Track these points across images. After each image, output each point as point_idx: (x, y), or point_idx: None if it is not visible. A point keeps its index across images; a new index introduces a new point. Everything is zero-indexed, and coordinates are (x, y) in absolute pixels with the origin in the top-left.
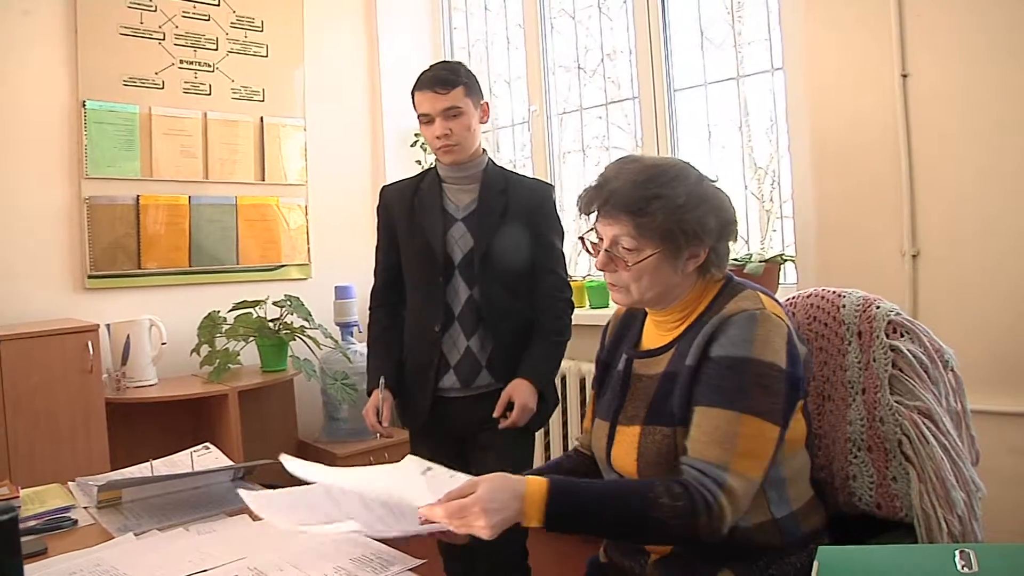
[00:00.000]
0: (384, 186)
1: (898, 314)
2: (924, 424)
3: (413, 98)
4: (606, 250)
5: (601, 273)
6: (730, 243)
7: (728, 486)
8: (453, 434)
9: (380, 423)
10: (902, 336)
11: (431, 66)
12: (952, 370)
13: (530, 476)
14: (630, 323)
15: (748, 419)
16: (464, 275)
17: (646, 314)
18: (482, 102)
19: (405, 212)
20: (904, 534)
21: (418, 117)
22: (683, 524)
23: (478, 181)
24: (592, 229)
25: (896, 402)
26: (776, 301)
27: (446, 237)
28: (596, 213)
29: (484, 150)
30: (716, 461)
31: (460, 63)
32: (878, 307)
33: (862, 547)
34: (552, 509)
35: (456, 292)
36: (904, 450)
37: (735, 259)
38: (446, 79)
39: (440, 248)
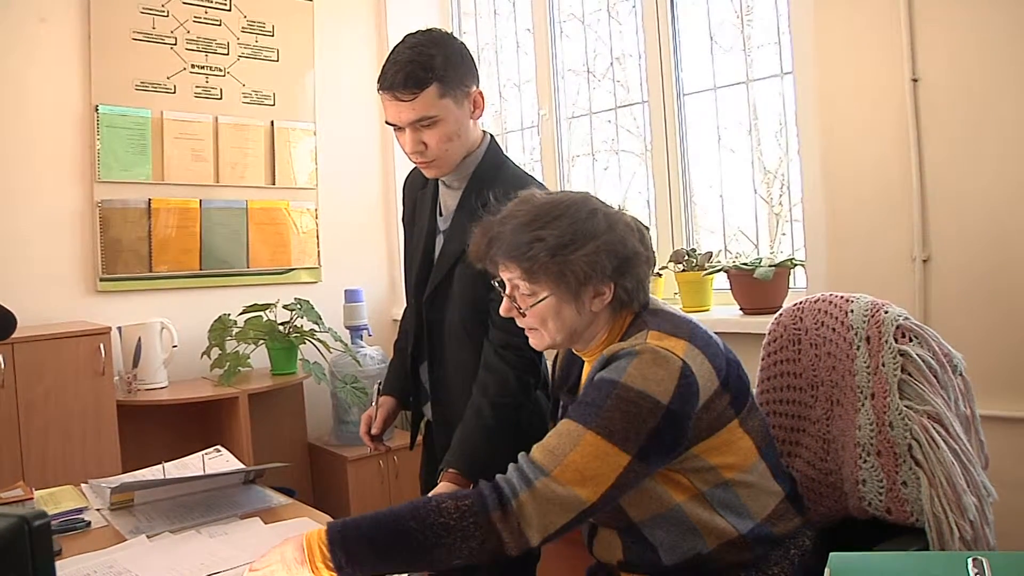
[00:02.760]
0: (411, 170)
1: (906, 319)
2: (934, 429)
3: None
4: (507, 296)
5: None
6: (640, 276)
7: (537, 487)
8: None
9: (374, 434)
10: (911, 341)
11: (396, 48)
12: (961, 375)
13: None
14: (574, 361)
15: (592, 436)
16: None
17: None
18: (471, 91)
19: (410, 208)
20: (915, 539)
21: (386, 121)
22: (474, 523)
23: (466, 184)
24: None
25: (906, 407)
26: (685, 334)
27: (430, 249)
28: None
29: (487, 134)
30: (540, 462)
31: (438, 38)
32: (886, 312)
33: (873, 554)
34: (334, 547)
35: None
36: (914, 455)
37: (745, 264)
38: (413, 76)
39: (418, 261)
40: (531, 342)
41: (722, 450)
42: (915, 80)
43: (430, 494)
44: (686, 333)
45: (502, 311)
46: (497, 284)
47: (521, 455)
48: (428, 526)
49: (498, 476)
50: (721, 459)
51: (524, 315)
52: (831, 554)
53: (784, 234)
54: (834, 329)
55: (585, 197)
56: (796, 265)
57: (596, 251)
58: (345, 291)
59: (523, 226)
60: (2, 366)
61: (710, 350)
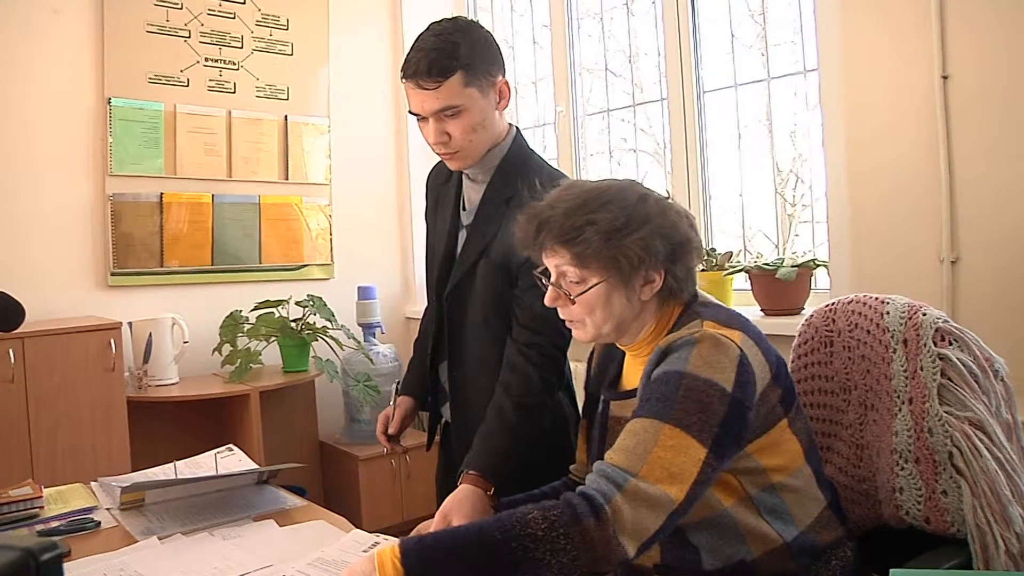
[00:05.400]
0: (435, 164)
1: (946, 321)
2: (976, 436)
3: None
4: (553, 284)
5: None
6: (691, 264)
7: (630, 489)
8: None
9: (391, 434)
10: (950, 344)
11: (421, 35)
12: (1002, 380)
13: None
14: (611, 357)
15: (670, 429)
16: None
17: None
18: (497, 81)
19: (432, 202)
20: (956, 550)
21: (409, 111)
22: (565, 535)
23: (490, 178)
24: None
25: (946, 412)
26: (738, 325)
27: (452, 244)
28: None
29: (512, 126)
30: (623, 465)
31: (464, 26)
32: (924, 314)
33: (939, 571)
34: (408, 560)
35: None
36: (955, 462)
37: (767, 264)
38: (437, 64)
39: (440, 256)
40: (575, 334)
41: (771, 451)
42: (945, 77)
43: (447, 499)
44: (739, 324)
45: (547, 300)
46: (539, 273)
47: (597, 463)
48: (514, 537)
49: (582, 488)
50: (770, 460)
51: (573, 303)
52: (891, 571)
53: (798, 235)
54: (869, 331)
55: (632, 183)
56: (819, 266)
57: (650, 235)
58: (358, 288)
59: (574, 210)
60: (12, 361)
61: (762, 343)
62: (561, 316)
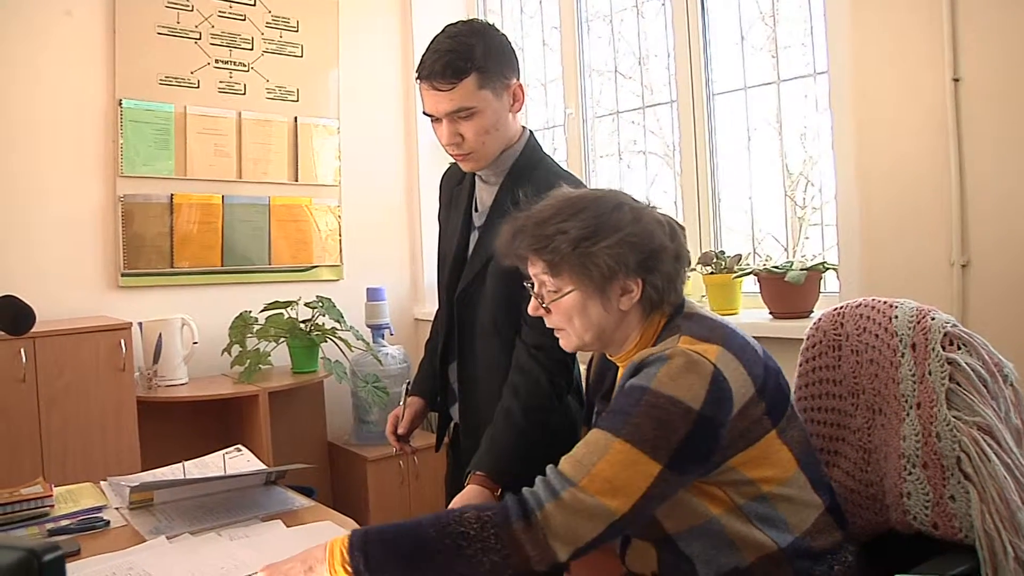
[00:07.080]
0: (449, 165)
1: (955, 326)
2: (984, 441)
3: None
4: (535, 294)
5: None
6: (671, 273)
7: (564, 498)
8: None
9: (400, 434)
10: (959, 349)
11: (436, 37)
12: (1012, 385)
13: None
14: (609, 365)
15: (621, 444)
16: None
17: None
18: (511, 84)
19: (445, 203)
20: (964, 556)
21: (423, 112)
22: (495, 534)
23: (503, 179)
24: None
25: (954, 417)
26: (719, 339)
27: (464, 245)
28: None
29: (526, 129)
30: (567, 473)
31: (480, 28)
32: (933, 318)
33: None
34: (354, 550)
35: None
36: (963, 468)
37: (776, 267)
38: (452, 65)
39: (451, 257)
40: (560, 343)
41: (760, 463)
42: (956, 80)
43: (454, 499)
44: (720, 338)
45: (530, 310)
46: (528, 285)
47: (549, 467)
48: (447, 535)
49: (524, 489)
50: (759, 472)
51: (549, 311)
52: None
53: (807, 238)
54: (877, 335)
55: (613, 192)
56: (828, 269)
57: (619, 243)
58: (367, 289)
59: (547, 219)
60: (23, 360)
61: (746, 356)
62: (547, 325)
